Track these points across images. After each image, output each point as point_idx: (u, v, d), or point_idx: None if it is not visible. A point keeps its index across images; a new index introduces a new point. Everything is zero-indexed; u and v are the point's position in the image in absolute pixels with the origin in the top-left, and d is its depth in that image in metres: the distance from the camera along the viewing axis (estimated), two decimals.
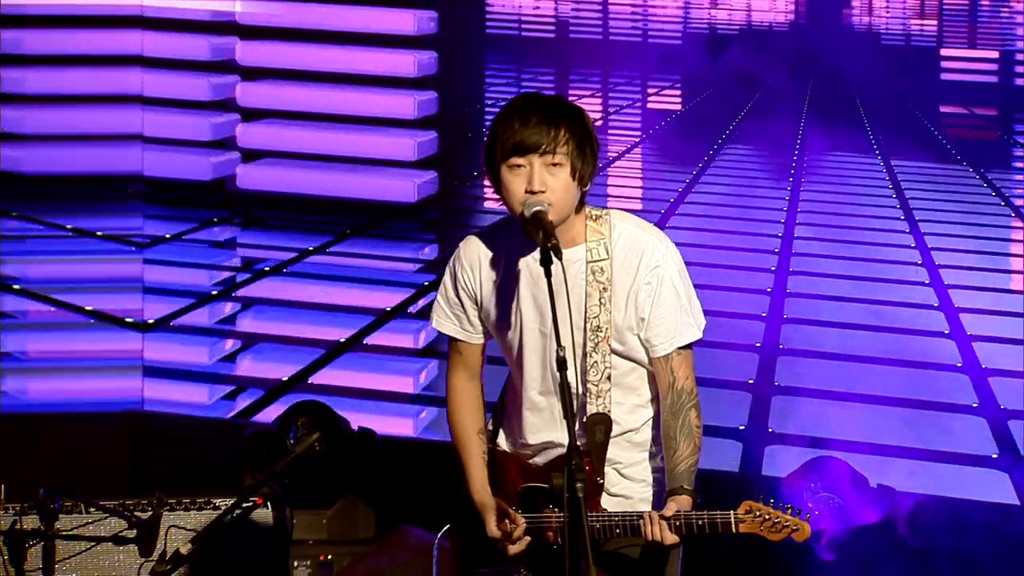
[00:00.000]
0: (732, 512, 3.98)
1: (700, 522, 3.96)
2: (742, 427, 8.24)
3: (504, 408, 4.34)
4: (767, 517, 3.98)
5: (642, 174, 11.39)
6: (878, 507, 6.72)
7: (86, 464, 7.44)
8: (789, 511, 4.00)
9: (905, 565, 6.56)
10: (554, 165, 3.96)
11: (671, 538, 3.96)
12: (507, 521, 4.11)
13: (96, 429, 7.99)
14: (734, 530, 3.98)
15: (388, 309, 9.80)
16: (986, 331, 9.47)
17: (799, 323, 9.60)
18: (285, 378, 9.01)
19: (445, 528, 4.33)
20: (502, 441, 4.33)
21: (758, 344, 9.23)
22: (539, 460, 4.22)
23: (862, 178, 11.10)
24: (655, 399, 4.19)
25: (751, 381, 8.81)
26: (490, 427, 4.35)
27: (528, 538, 4.12)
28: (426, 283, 9.83)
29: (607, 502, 4.14)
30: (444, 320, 4.27)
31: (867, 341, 9.19)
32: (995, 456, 8.01)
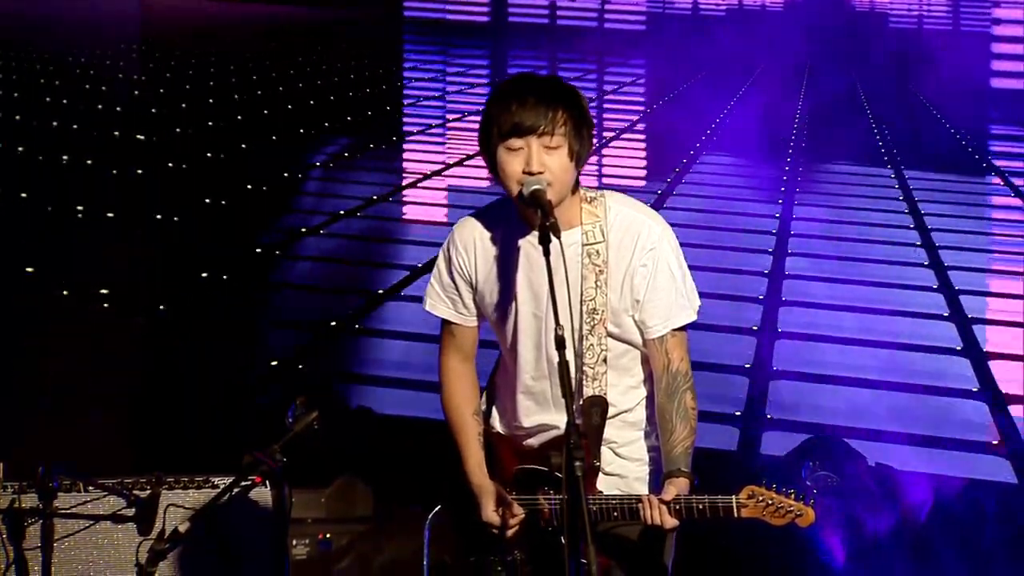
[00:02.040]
0: (734, 496, 3.96)
1: (700, 506, 3.94)
2: (738, 412, 8.22)
3: (496, 391, 4.35)
4: (770, 502, 3.95)
5: (609, 182, 11.04)
6: (876, 486, 6.72)
7: (86, 443, 7.45)
8: (792, 496, 3.96)
9: (903, 543, 6.56)
10: (552, 146, 3.96)
11: (671, 522, 3.96)
12: (505, 510, 4.12)
13: (97, 407, 8.01)
14: (736, 515, 3.95)
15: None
16: (987, 314, 9.43)
17: (797, 306, 9.55)
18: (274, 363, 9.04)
19: (436, 508, 4.33)
20: (496, 423, 4.33)
21: (755, 328, 9.20)
22: (534, 442, 4.23)
23: (860, 165, 10.88)
24: (648, 379, 4.20)
25: (748, 365, 8.79)
26: (483, 409, 4.35)
27: (521, 515, 4.13)
28: (419, 265, 9.74)
29: (602, 482, 4.16)
30: (438, 303, 4.26)
31: (866, 324, 9.16)
32: (995, 441, 7.99)
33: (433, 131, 14.32)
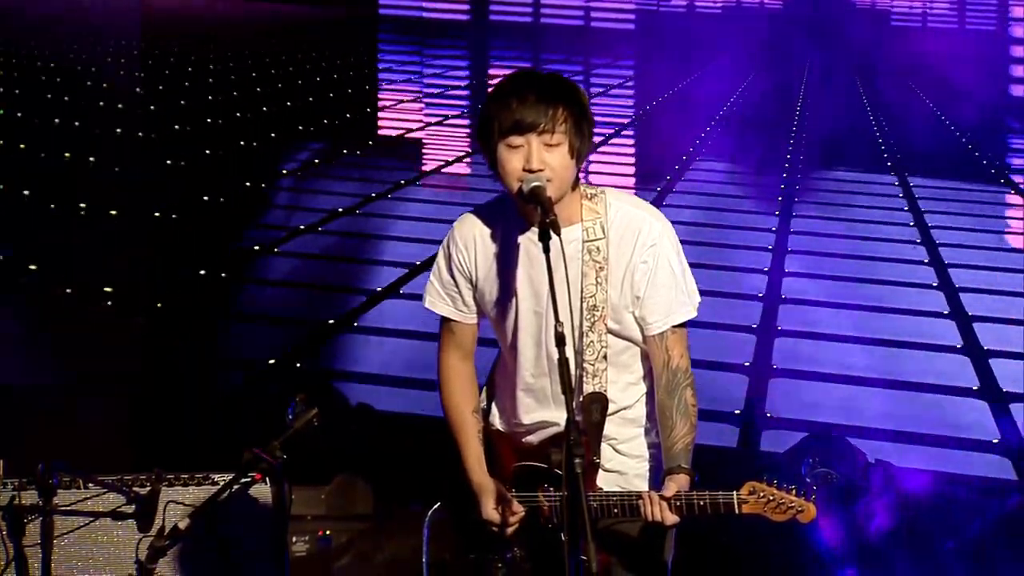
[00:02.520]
0: (735, 493, 3.94)
1: (701, 502, 3.94)
2: (738, 411, 8.19)
3: (495, 388, 4.35)
4: (771, 498, 3.93)
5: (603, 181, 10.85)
6: (875, 482, 6.72)
7: (86, 439, 7.45)
8: (793, 492, 3.94)
9: (902, 540, 6.57)
10: (552, 143, 3.96)
11: (671, 518, 3.96)
12: (505, 507, 4.12)
13: (97, 403, 8.00)
14: (736, 511, 3.94)
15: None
16: (987, 311, 9.39)
17: (796, 303, 9.52)
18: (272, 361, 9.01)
19: (436, 506, 4.33)
20: (495, 420, 4.33)
21: (754, 326, 9.17)
22: (533, 439, 4.23)
23: (862, 171, 10.66)
24: (647, 375, 4.20)
25: (747, 363, 8.76)
26: (482, 406, 4.35)
27: (521, 513, 4.13)
28: (418, 263, 9.62)
29: (602, 478, 4.16)
30: (438, 300, 4.26)
31: (865, 323, 9.13)
32: (996, 441, 7.98)
33: (411, 136, 14.00)
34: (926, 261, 10.03)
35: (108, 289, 10.12)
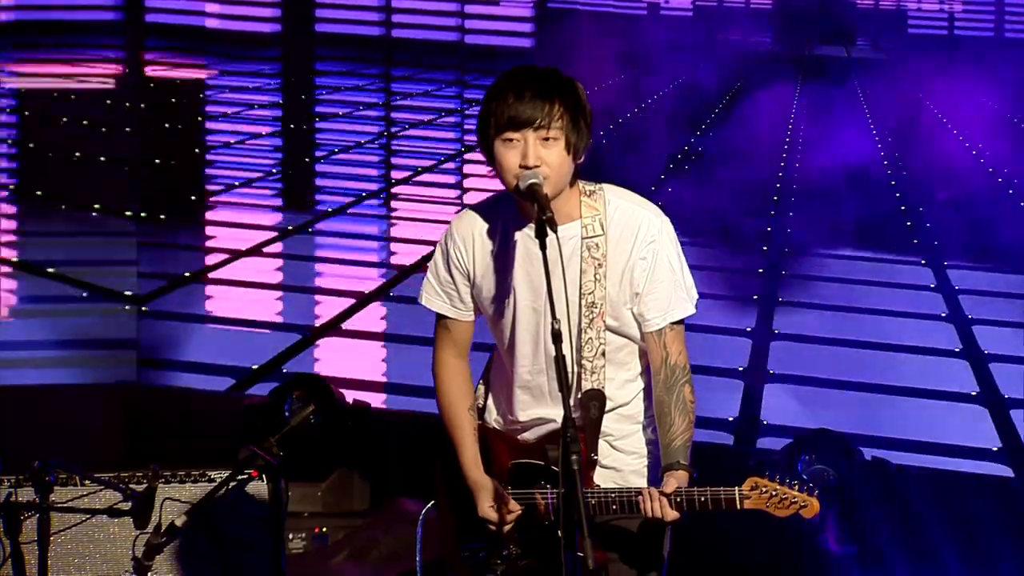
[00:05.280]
0: (737, 488, 3.95)
1: (703, 498, 3.94)
2: (731, 418, 8.14)
3: (490, 385, 4.36)
4: (774, 493, 3.94)
5: None
6: (872, 479, 6.73)
7: (83, 436, 7.47)
8: (796, 487, 3.94)
9: (901, 539, 6.57)
10: (548, 139, 3.97)
11: (672, 515, 3.97)
12: (501, 505, 4.13)
13: (93, 401, 8.02)
14: (738, 506, 3.94)
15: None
16: (987, 315, 9.32)
17: (792, 307, 9.42)
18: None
19: (431, 503, 4.34)
20: (490, 417, 4.34)
21: (749, 329, 9.05)
22: (529, 436, 4.23)
23: (877, 252, 9.88)
24: (644, 372, 4.21)
25: (742, 368, 8.69)
26: (479, 403, 4.36)
27: (518, 510, 4.13)
28: (407, 264, 9.09)
29: (598, 475, 4.15)
30: (434, 298, 4.26)
31: (862, 325, 9.07)
32: (996, 449, 7.96)
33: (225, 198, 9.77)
34: (923, 263, 9.90)
35: (105, 286, 10.08)
